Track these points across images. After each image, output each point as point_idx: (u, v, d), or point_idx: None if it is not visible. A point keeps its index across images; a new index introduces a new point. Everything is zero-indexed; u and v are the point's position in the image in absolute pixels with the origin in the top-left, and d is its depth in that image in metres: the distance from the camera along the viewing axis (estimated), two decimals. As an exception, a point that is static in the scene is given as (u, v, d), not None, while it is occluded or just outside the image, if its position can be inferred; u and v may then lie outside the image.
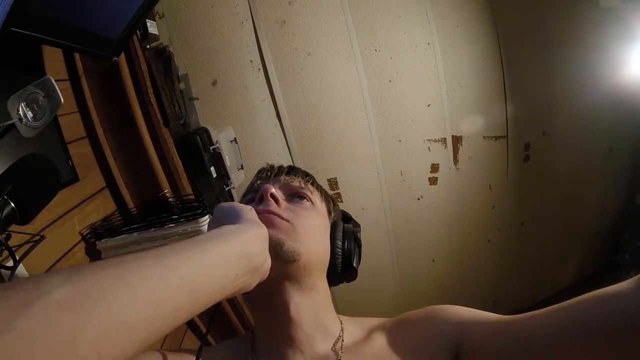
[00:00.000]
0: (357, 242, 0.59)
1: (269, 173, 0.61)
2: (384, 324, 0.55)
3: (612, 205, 2.94)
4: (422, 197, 2.39)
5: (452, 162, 2.37)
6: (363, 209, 2.32)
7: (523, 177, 2.53)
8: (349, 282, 0.59)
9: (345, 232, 0.57)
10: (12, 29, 0.69)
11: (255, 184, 0.61)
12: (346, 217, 0.64)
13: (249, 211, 0.44)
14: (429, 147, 2.32)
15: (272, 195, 0.52)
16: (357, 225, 0.62)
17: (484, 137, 2.38)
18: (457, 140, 2.34)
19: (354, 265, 0.56)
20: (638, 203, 2.86)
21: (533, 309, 0.43)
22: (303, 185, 0.58)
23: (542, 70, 2.33)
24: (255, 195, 0.55)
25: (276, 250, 0.46)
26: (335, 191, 2.25)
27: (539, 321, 0.42)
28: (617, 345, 0.36)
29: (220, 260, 0.35)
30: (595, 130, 2.56)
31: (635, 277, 0.36)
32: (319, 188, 0.61)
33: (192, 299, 0.31)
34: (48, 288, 0.23)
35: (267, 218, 0.47)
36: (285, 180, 0.58)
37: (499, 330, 0.45)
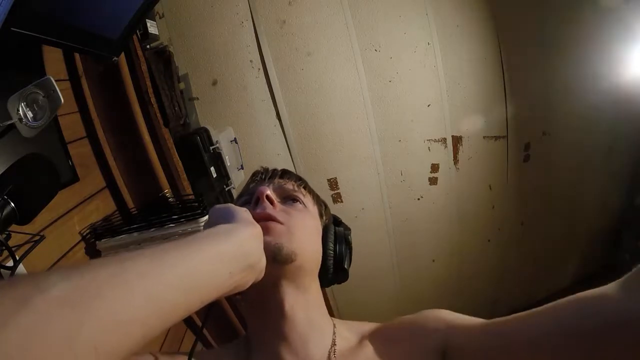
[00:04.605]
0: (348, 245, 0.60)
1: (263, 176, 0.62)
2: (375, 329, 0.56)
3: (612, 205, 2.94)
4: (422, 197, 2.39)
5: (452, 162, 2.37)
6: (363, 209, 2.32)
7: (523, 177, 2.53)
8: (339, 283, 0.60)
9: (337, 235, 0.59)
10: (12, 29, 0.69)
11: (250, 187, 0.62)
12: (337, 221, 0.65)
13: (243, 212, 0.45)
14: (429, 147, 2.32)
15: (267, 197, 0.53)
16: (347, 228, 0.63)
17: (484, 137, 2.38)
18: (457, 140, 2.34)
19: (346, 267, 0.58)
20: (638, 203, 2.86)
21: (532, 308, 0.43)
22: (296, 189, 0.59)
23: (542, 70, 2.33)
24: (250, 198, 0.56)
25: (274, 254, 0.47)
26: (335, 191, 2.26)
27: (522, 324, 0.43)
28: (600, 348, 0.36)
29: (215, 258, 0.35)
30: (595, 130, 2.56)
31: (619, 280, 0.36)
32: (311, 191, 0.63)
33: (188, 296, 0.32)
34: (46, 285, 0.23)
35: (263, 225, 0.48)
36: (279, 183, 0.59)
37: (483, 334, 0.46)
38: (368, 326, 0.57)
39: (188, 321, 1.39)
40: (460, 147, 2.36)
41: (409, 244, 2.46)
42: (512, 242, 2.67)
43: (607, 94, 2.34)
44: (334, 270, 0.57)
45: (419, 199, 2.39)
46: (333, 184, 2.25)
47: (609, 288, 0.37)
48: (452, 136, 2.33)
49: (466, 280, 2.65)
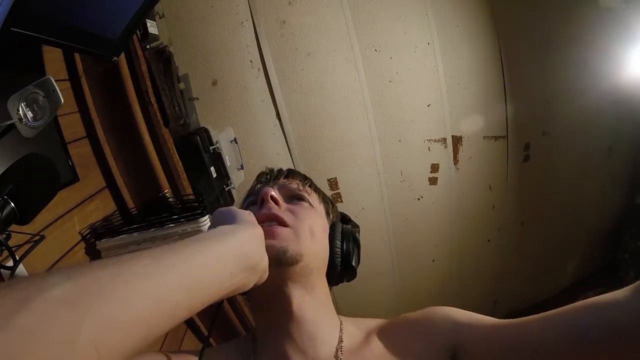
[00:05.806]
0: (356, 243, 0.59)
1: (269, 176, 0.63)
2: (382, 325, 0.55)
3: (612, 205, 2.93)
4: (422, 197, 2.39)
5: (452, 162, 2.37)
6: (363, 209, 2.32)
7: (523, 177, 2.53)
8: (348, 281, 0.60)
9: (344, 233, 0.59)
10: (12, 29, 0.69)
11: (256, 188, 0.62)
12: (345, 219, 0.65)
13: (246, 214, 0.45)
14: (429, 147, 2.32)
15: (272, 197, 0.54)
16: (356, 226, 0.63)
17: (484, 137, 2.38)
18: (457, 140, 2.34)
19: (353, 265, 0.57)
20: (638, 203, 2.86)
21: (533, 309, 0.43)
22: (301, 188, 0.60)
23: (542, 70, 2.33)
24: (256, 198, 0.57)
25: (279, 257, 0.47)
26: (335, 191, 2.25)
27: (534, 327, 0.43)
28: (610, 353, 0.36)
29: (216, 258, 0.36)
30: (595, 130, 2.55)
31: (631, 286, 0.37)
32: (317, 190, 0.63)
33: (190, 297, 0.32)
34: (47, 285, 0.23)
35: (268, 230, 0.48)
36: (284, 183, 0.60)
37: (494, 335, 0.46)
38: (374, 322, 0.56)
39: (188, 322, 1.39)
40: (460, 147, 2.36)
41: (409, 244, 2.46)
42: (512, 242, 2.67)
43: (607, 94, 2.34)
44: (341, 268, 0.56)
45: (419, 199, 2.39)
46: (333, 184, 2.24)
47: (621, 293, 0.37)
48: (452, 136, 2.33)
49: (466, 280, 2.65)
